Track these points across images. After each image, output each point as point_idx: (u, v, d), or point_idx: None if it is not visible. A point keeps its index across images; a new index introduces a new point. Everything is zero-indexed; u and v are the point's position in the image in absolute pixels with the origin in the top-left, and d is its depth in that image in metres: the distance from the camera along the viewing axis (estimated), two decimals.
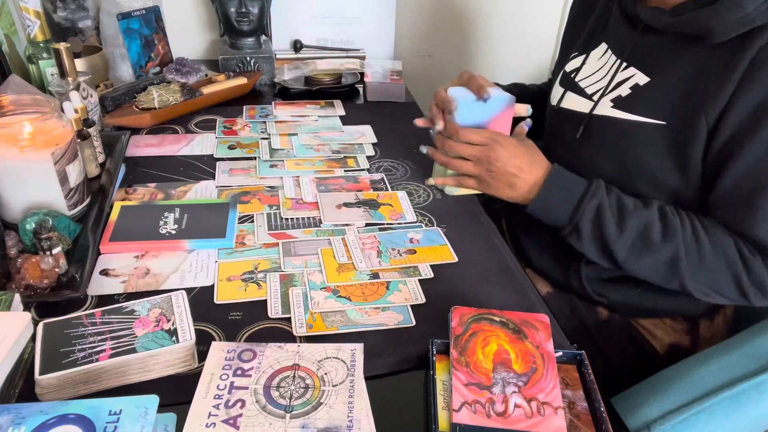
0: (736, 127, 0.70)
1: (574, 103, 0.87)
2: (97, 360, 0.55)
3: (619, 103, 0.80)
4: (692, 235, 0.73)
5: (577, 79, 0.89)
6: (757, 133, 0.68)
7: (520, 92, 1.07)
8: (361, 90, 1.35)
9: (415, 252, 0.79)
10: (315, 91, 1.31)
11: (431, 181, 0.93)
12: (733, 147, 0.71)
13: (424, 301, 0.71)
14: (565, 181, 0.79)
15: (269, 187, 0.94)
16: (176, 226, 0.80)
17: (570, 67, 0.92)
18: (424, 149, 0.91)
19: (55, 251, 0.69)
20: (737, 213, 0.73)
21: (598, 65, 0.87)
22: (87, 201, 0.83)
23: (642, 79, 0.78)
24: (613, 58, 0.84)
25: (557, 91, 0.93)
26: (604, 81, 0.84)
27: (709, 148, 0.73)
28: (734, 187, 0.72)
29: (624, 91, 0.80)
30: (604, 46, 0.87)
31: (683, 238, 0.73)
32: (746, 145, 0.69)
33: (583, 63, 0.89)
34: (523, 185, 0.81)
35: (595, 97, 0.83)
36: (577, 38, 0.95)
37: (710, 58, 0.72)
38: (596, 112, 0.82)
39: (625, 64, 0.81)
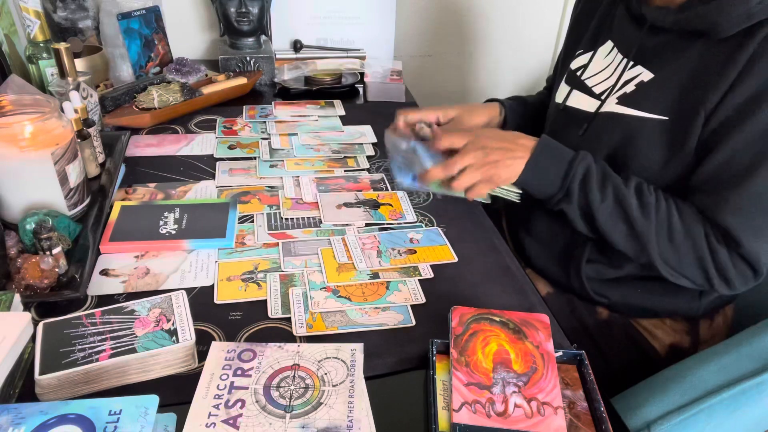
0: (725, 117, 0.70)
1: (580, 101, 0.87)
2: (97, 360, 0.55)
3: (624, 99, 0.80)
4: (666, 213, 0.74)
5: (583, 78, 0.89)
6: (745, 124, 0.69)
7: (519, 106, 1.04)
8: (361, 90, 1.35)
9: (415, 252, 0.79)
10: (315, 91, 1.31)
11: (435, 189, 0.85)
12: (719, 135, 0.71)
13: (424, 301, 0.71)
14: (556, 147, 0.79)
15: (269, 187, 0.94)
16: (176, 226, 0.80)
17: (576, 64, 0.92)
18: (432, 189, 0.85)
19: (55, 251, 0.69)
20: (712, 200, 0.73)
21: (605, 63, 0.86)
22: (87, 201, 0.83)
23: (647, 75, 0.79)
24: (620, 56, 0.84)
25: (563, 89, 0.92)
26: (611, 80, 0.83)
27: (699, 137, 0.73)
28: (713, 175, 0.73)
29: (629, 88, 0.80)
30: (610, 43, 0.87)
31: (656, 214, 0.74)
32: (732, 134, 0.70)
33: (590, 61, 0.89)
34: (521, 154, 0.77)
35: (603, 96, 0.83)
36: (582, 35, 0.94)
37: (713, 53, 0.72)
38: (602, 109, 0.82)
39: (631, 63, 0.81)
